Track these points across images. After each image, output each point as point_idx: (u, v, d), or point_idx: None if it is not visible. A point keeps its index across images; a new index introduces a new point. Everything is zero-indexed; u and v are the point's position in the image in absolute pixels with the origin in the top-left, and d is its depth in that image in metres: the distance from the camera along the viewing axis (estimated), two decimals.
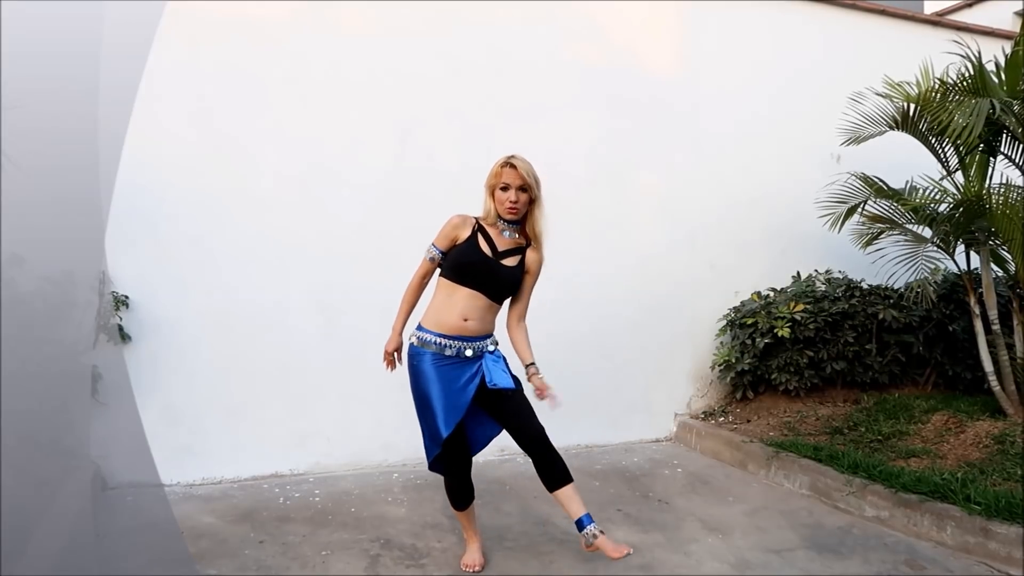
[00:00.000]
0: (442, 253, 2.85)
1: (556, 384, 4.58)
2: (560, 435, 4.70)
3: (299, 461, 4.23)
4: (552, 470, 2.82)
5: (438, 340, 2.78)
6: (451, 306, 2.79)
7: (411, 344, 2.86)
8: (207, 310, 4.05)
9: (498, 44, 4.65)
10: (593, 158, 4.91)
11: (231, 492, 3.89)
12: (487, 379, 2.78)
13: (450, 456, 2.86)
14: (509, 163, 2.78)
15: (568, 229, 4.78)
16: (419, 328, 2.85)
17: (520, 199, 2.78)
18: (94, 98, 3.67)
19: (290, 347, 4.21)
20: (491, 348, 2.86)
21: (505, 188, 2.79)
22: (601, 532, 2.76)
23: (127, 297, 3.89)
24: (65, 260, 3.58)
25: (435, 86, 4.48)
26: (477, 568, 2.98)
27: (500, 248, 2.84)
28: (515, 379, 2.86)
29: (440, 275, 2.88)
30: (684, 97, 5.17)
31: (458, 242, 2.82)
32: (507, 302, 2.94)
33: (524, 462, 4.52)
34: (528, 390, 2.89)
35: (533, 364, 2.91)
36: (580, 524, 2.78)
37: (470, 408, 2.80)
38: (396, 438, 4.27)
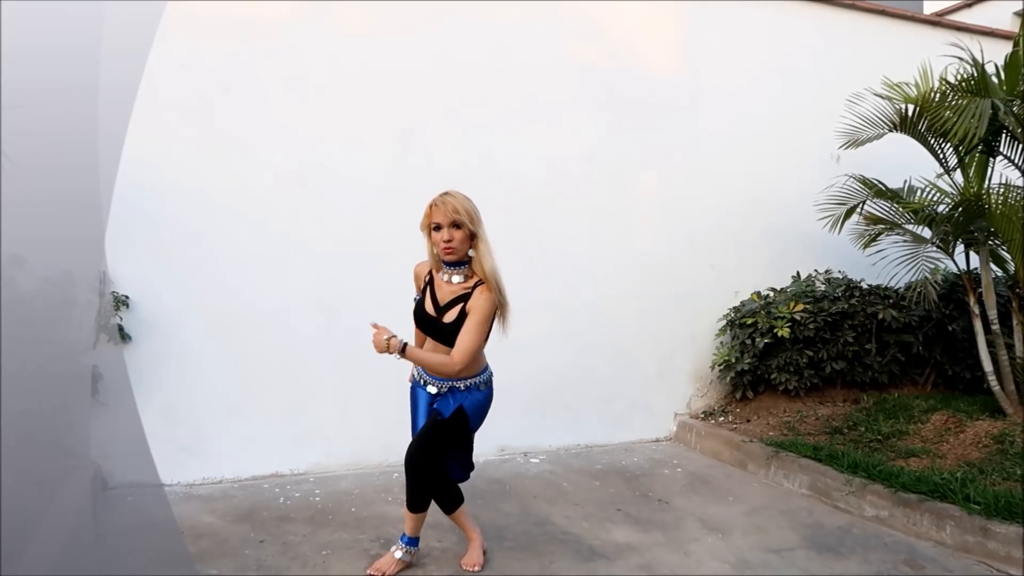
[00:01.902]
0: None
1: (556, 384, 4.70)
2: (560, 435, 4.83)
3: (299, 461, 4.23)
4: (407, 491, 2.89)
5: (419, 370, 2.94)
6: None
7: None
8: (207, 310, 4.05)
9: (498, 43, 4.65)
10: (593, 158, 4.91)
11: (231, 492, 3.89)
12: (434, 402, 2.89)
13: None
14: (435, 200, 2.70)
15: (568, 229, 4.79)
16: None
17: (454, 237, 2.67)
18: (94, 98, 3.66)
19: (290, 347, 4.21)
20: (462, 387, 2.86)
21: (437, 227, 2.70)
22: (395, 552, 2.96)
23: (127, 297, 3.88)
24: (65, 260, 3.57)
25: (435, 85, 4.48)
26: (477, 568, 2.99)
27: (443, 301, 2.80)
28: (457, 416, 2.83)
29: None
30: (684, 97, 5.17)
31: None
32: None
33: (523, 462, 4.53)
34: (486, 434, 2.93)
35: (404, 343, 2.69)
36: (402, 537, 2.98)
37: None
38: (396, 438, 4.24)
